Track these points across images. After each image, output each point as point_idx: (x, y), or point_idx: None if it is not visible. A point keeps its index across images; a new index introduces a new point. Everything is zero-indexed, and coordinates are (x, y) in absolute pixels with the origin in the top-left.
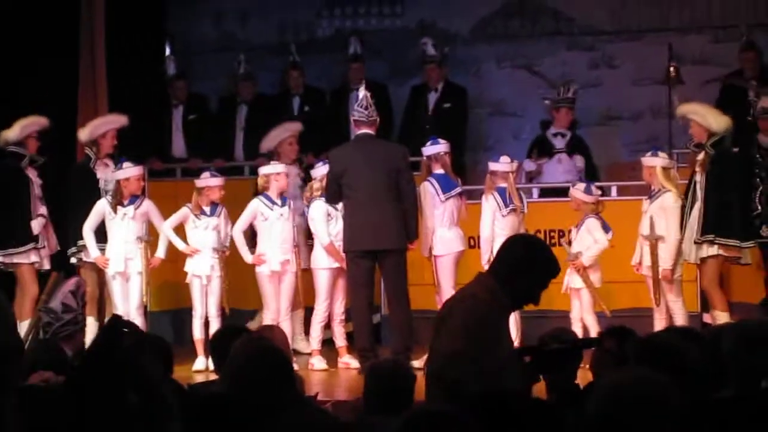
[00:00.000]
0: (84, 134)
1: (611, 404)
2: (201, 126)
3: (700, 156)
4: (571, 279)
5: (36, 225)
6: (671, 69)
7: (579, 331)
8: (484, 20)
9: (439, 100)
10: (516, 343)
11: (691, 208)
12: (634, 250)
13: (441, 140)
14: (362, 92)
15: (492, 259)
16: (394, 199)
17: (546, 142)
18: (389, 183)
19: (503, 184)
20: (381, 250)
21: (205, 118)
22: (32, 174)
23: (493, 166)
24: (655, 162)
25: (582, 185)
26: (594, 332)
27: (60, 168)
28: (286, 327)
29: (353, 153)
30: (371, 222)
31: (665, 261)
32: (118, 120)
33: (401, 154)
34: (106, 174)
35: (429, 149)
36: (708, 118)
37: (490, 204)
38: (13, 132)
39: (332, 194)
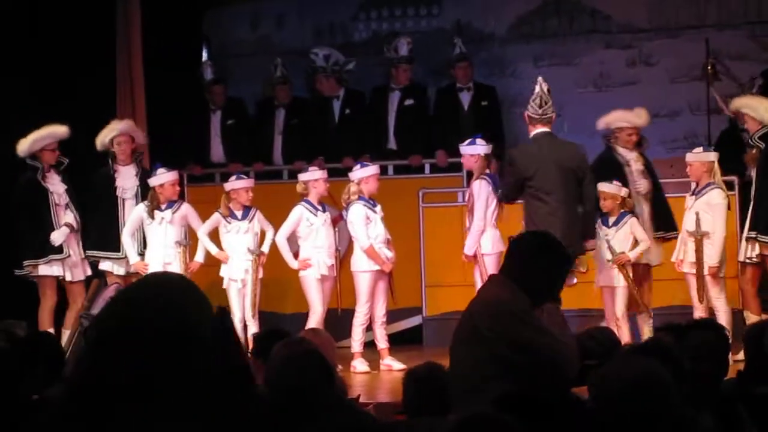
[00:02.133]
0: (97, 143)
1: (617, 395)
2: (239, 130)
3: (753, 151)
4: (603, 277)
5: (58, 235)
6: (709, 65)
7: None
8: (521, 19)
9: (474, 99)
10: None
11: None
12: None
13: (482, 140)
14: (538, 87)
15: (503, 261)
16: (577, 200)
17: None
18: (575, 184)
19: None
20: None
21: (244, 122)
22: (54, 183)
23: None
24: (708, 157)
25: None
26: (626, 333)
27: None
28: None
29: (541, 153)
30: (565, 225)
31: (711, 258)
32: (124, 126)
33: (583, 153)
34: (124, 182)
35: (480, 148)
36: (760, 110)
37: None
38: (23, 146)
39: (513, 193)
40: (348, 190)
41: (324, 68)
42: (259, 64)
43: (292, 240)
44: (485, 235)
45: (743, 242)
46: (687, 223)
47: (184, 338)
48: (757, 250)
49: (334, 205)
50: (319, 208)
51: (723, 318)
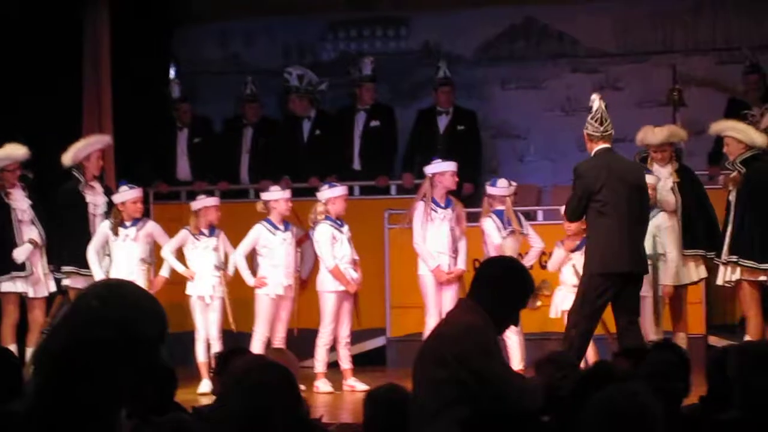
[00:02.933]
0: (67, 158)
1: (602, 419)
2: (206, 149)
3: (733, 174)
4: (561, 303)
5: (20, 252)
6: (675, 91)
7: None
8: (489, 42)
9: (451, 123)
10: (521, 366)
11: (726, 228)
12: None
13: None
14: (596, 104)
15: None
16: (641, 218)
17: None
18: (639, 201)
19: (501, 207)
20: (635, 273)
21: (210, 140)
22: (17, 199)
23: (490, 189)
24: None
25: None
26: (591, 355)
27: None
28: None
29: (606, 168)
30: (629, 242)
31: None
32: (101, 140)
33: (643, 171)
34: (95, 197)
35: (430, 168)
36: (750, 133)
37: (490, 225)
38: None
39: (579, 210)
40: (315, 210)
41: (297, 88)
42: (227, 83)
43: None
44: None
45: (721, 266)
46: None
47: (127, 343)
48: (737, 275)
49: (299, 225)
50: (280, 227)
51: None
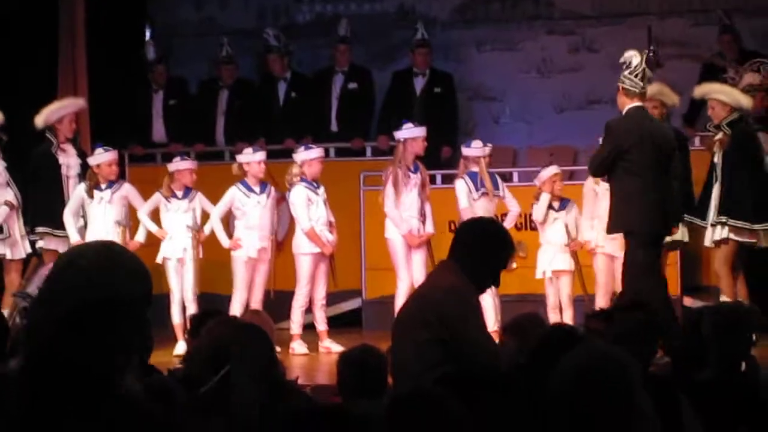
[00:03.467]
0: (39, 120)
1: (573, 383)
2: (181, 111)
3: (718, 136)
4: (550, 263)
5: None
6: (651, 53)
7: (556, 318)
8: (464, 4)
9: (428, 85)
10: (496, 327)
11: (712, 190)
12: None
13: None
14: (636, 59)
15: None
16: (668, 181)
17: None
18: (667, 162)
19: (475, 169)
20: (663, 233)
21: (186, 102)
22: None
23: (465, 150)
24: None
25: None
26: (569, 318)
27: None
28: None
29: (638, 127)
30: (663, 203)
31: None
32: (75, 104)
33: (672, 134)
34: (68, 159)
35: (400, 133)
36: (735, 95)
37: (461, 187)
38: None
39: (604, 167)
40: (290, 172)
41: (277, 48)
42: (202, 45)
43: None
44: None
45: (709, 227)
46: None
47: (115, 303)
48: (725, 234)
49: (274, 186)
50: (255, 189)
51: None
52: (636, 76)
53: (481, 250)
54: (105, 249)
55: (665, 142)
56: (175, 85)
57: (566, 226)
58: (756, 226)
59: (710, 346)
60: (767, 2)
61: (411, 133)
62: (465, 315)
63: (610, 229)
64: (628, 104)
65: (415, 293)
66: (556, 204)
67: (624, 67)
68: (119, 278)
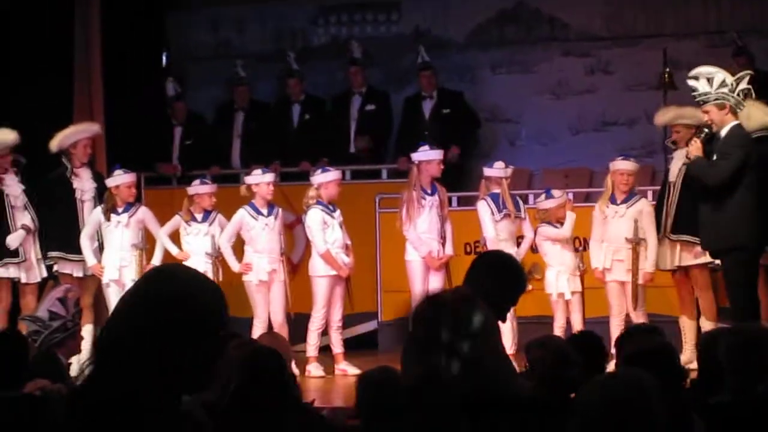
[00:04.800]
0: (54, 144)
1: (597, 406)
2: (198, 142)
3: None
4: (559, 286)
5: (14, 239)
6: (666, 74)
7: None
8: (480, 27)
9: (436, 107)
10: (513, 350)
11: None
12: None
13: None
14: (728, 76)
15: (464, 278)
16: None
17: None
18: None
19: (497, 190)
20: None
21: (202, 139)
22: (9, 184)
23: (487, 171)
24: (629, 167)
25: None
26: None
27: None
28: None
29: (752, 144)
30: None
31: (651, 264)
32: (89, 129)
33: None
34: (82, 184)
35: (416, 156)
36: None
37: (484, 208)
38: None
39: (732, 177)
40: (308, 195)
41: (299, 71)
42: (218, 68)
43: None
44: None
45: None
46: (618, 231)
47: (201, 326)
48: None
49: (291, 209)
50: (263, 211)
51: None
52: (737, 93)
53: (499, 283)
54: (189, 270)
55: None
56: (193, 122)
57: (579, 255)
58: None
59: (726, 368)
60: None
61: (426, 155)
62: (483, 335)
63: (717, 245)
64: (731, 121)
65: (422, 314)
66: (560, 227)
67: (719, 84)
68: (205, 297)
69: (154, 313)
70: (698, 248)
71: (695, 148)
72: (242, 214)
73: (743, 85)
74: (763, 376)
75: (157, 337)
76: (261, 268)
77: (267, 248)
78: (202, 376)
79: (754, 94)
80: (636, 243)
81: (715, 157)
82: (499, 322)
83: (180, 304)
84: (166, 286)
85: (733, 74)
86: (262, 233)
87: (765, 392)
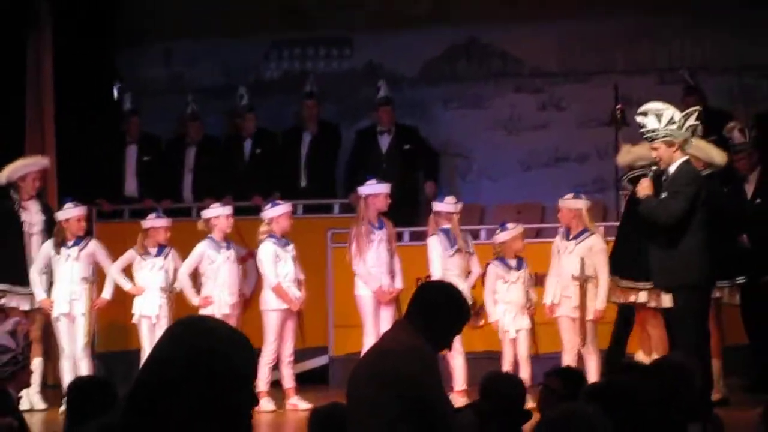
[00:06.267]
0: (2, 177)
1: None
2: (154, 167)
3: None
4: (508, 323)
5: None
6: (617, 111)
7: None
8: (432, 62)
9: (395, 141)
10: (464, 387)
11: None
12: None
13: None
14: (676, 113)
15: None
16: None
17: None
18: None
19: (447, 225)
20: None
21: (159, 159)
22: None
23: (437, 206)
24: (579, 205)
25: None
26: (527, 375)
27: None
28: None
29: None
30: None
31: (600, 302)
32: (39, 162)
33: None
34: (31, 216)
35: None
36: (710, 151)
37: (434, 245)
38: None
39: (682, 213)
40: (260, 230)
41: (251, 106)
42: (170, 102)
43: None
44: None
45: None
46: (567, 268)
47: (232, 378)
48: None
49: (242, 243)
50: (223, 245)
51: (594, 362)
52: (686, 130)
53: (438, 316)
54: (212, 322)
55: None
56: (149, 140)
57: (527, 291)
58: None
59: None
60: (731, 60)
61: (373, 189)
62: (425, 376)
63: (669, 282)
64: (679, 158)
65: (371, 351)
66: (513, 263)
67: (667, 121)
68: (238, 351)
69: (190, 366)
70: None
71: (644, 187)
72: (203, 247)
73: (691, 121)
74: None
75: (193, 390)
76: (223, 302)
77: (228, 282)
78: (239, 430)
79: (701, 131)
80: (583, 280)
81: (664, 195)
82: (451, 360)
83: (216, 358)
84: (202, 340)
85: (682, 111)
86: (223, 267)
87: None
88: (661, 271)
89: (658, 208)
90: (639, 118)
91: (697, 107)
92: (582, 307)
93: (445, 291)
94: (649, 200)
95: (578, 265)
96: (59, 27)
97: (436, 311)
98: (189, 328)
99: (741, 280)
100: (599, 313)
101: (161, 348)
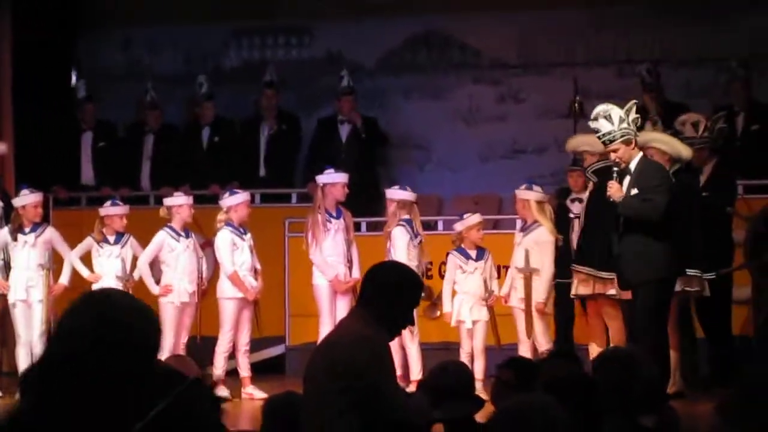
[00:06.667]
0: None
1: (499, 427)
2: (110, 153)
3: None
4: (464, 314)
5: None
6: (576, 103)
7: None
8: (391, 52)
9: (354, 132)
10: (419, 377)
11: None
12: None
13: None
14: (626, 111)
15: (359, 292)
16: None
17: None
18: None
19: (407, 216)
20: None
21: (114, 145)
22: None
23: (401, 194)
24: (529, 196)
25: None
26: (481, 367)
27: None
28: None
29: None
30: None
31: (539, 294)
32: (2, 148)
33: None
34: None
35: (321, 178)
36: (675, 145)
37: (402, 234)
38: None
39: (666, 207)
40: (218, 219)
41: (209, 95)
42: (128, 89)
43: (157, 266)
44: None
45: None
46: (516, 260)
47: (134, 348)
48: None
49: (199, 232)
50: (182, 234)
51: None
52: (631, 124)
53: (394, 295)
54: (125, 295)
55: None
56: (104, 127)
57: (484, 280)
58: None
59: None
60: (690, 53)
61: (331, 178)
62: (381, 364)
63: (638, 276)
64: (637, 155)
65: (324, 341)
66: (473, 254)
67: (618, 120)
68: (141, 322)
69: (93, 336)
70: (601, 280)
71: (616, 188)
72: (163, 236)
73: (633, 115)
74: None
75: (97, 361)
76: (183, 290)
77: (188, 270)
78: (140, 404)
79: (640, 122)
80: (528, 272)
81: (635, 192)
82: (407, 350)
83: (120, 329)
84: (105, 311)
85: (644, 108)
86: (183, 254)
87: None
88: (631, 266)
89: (645, 207)
90: (592, 125)
91: (635, 101)
92: (528, 299)
93: (396, 269)
94: (629, 200)
95: (523, 257)
96: (17, 13)
97: (389, 290)
98: (92, 301)
99: (710, 275)
100: (540, 305)
101: (64, 321)
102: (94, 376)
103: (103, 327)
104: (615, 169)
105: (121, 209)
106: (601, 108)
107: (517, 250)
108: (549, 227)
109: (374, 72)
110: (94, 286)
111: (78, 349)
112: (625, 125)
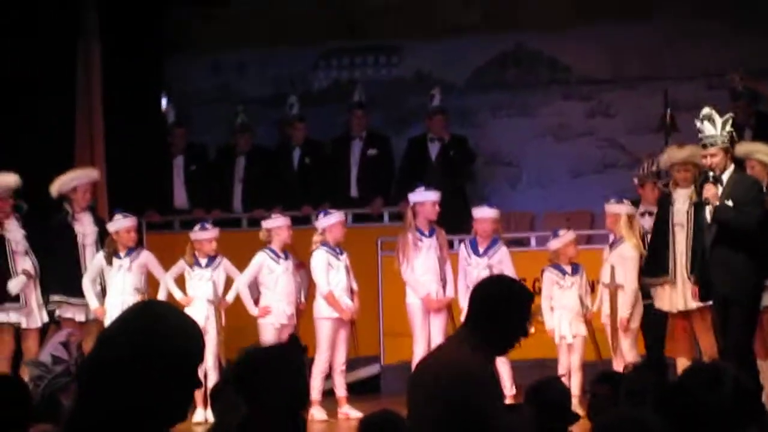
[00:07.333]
0: (53, 190)
1: None
2: (202, 176)
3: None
4: (564, 329)
5: (15, 284)
6: (667, 116)
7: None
8: (480, 70)
9: (443, 150)
10: (513, 392)
11: None
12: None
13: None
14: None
15: (467, 309)
16: None
17: None
18: None
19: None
20: None
21: (206, 168)
22: (11, 229)
23: (492, 214)
24: (620, 210)
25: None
26: (577, 383)
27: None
28: None
29: None
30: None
31: (623, 309)
32: (87, 174)
33: None
34: (84, 228)
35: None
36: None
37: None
38: None
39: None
40: (314, 240)
41: (300, 116)
42: (219, 112)
43: (254, 287)
44: None
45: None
46: (603, 275)
47: (178, 357)
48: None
49: (293, 253)
50: (282, 255)
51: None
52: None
53: (504, 308)
54: (174, 309)
55: None
56: (195, 150)
57: (580, 297)
58: None
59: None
60: None
61: (421, 197)
62: (477, 393)
63: (727, 288)
64: (731, 165)
65: (426, 365)
66: (569, 269)
67: (722, 127)
68: (182, 335)
69: (136, 346)
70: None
71: (714, 194)
72: (263, 257)
73: (728, 127)
74: None
75: (137, 370)
76: (281, 312)
77: (286, 292)
78: (176, 412)
79: (736, 138)
80: (613, 288)
81: (729, 203)
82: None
83: (163, 341)
84: (148, 322)
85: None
86: (282, 276)
87: None
88: (726, 277)
89: (740, 215)
90: (698, 124)
91: (731, 114)
92: (613, 314)
93: (505, 283)
94: (725, 206)
95: (609, 272)
96: (107, 37)
97: (497, 305)
98: (138, 312)
99: None
100: (623, 321)
101: (109, 330)
102: (134, 381)
103: (145, 336)
104: (711, 174)
105: (210, 233)
106: (706, 110)
107: (605, 265)
108: (633, 243)
109: (463, 90)
110: (186, 310)
111: (121, 355)
112: (725, 133)
